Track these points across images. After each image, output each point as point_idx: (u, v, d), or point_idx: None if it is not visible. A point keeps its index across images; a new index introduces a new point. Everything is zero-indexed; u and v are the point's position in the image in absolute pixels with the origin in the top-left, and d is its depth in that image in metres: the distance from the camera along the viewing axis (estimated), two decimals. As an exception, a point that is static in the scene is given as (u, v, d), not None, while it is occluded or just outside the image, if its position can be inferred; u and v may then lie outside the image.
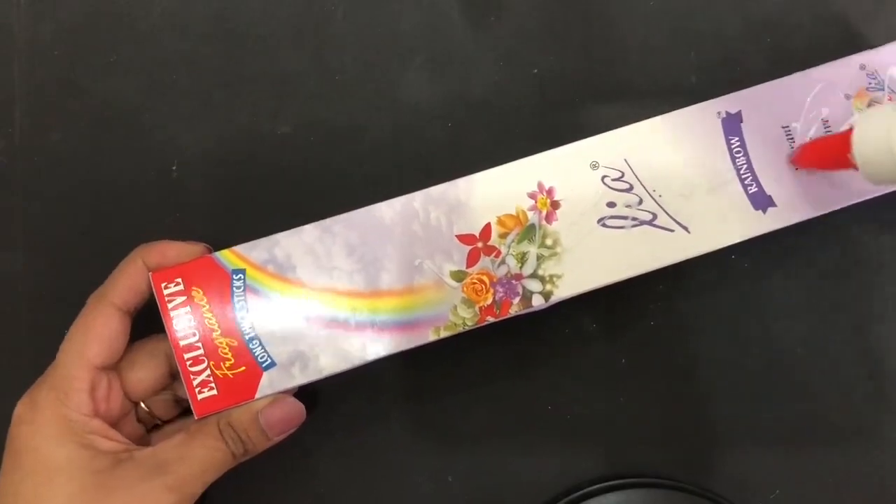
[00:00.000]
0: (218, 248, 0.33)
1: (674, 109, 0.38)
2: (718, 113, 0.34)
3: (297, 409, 0.33)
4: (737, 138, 0.34)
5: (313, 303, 0.32)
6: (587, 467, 0.37)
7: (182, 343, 0.32)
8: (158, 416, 0.35)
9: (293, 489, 0.37)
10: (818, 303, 0.38)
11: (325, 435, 0.37)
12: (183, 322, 0.32)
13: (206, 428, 0.31)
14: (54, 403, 0.31)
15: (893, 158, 0.28)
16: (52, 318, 0.38)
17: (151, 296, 0.32)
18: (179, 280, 0.32)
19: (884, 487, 0.38)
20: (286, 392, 0.32)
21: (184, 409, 0.35)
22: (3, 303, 0.38)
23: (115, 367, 0.33)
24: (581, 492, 0.36)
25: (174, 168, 0.39)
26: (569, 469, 0.37)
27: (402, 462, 0.38)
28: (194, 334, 0.32)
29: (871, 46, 0.35)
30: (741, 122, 0.34)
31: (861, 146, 0.29)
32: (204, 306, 0.32)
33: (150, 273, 0.32)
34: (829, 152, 0.31)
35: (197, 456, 0.31)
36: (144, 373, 0.33)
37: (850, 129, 0.30)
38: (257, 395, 0.32)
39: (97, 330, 0.32)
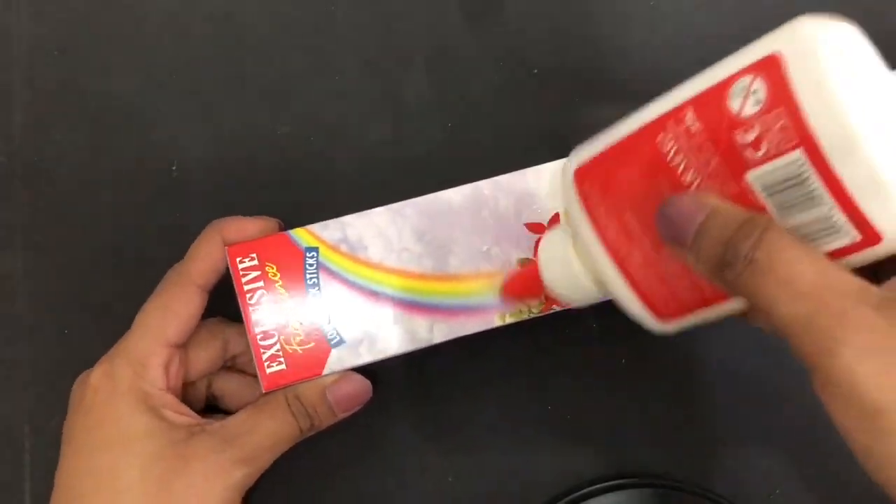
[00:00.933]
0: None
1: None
2: None
3: (364, 386, 0.33)
4: None
5: (384, 283, 0.33)
6: (587, 467, 0.37)
7: (254, 317, 0.32)
8: (214, 394, 0.35)
9: (293, 489, 0.37)
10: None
11: (325, 434, 0.37)
12: (256, 296, 0.32)
13: (273, 401, 0.32)
14: (132, 377, 0.31)
15: (580, 284, 0.27)
16: (52, 318, 0.38)
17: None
18: (254, 255, 0.33)
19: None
20: (352, 370, 0.33)
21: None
22: (3, 303, 0.38)
23: (185, 343, 0.33)
24: (581, 492, 0.36)
25: (174, 168, 0.39)
26: (569, 469, 0.37)
27: (402, 462, 0.38)
28: (264, 298, 0.32)
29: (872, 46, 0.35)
30: None
31: (549, 277, 0.28)
32: (277, 282, 0.33)
33: (226, 247, 0.33)
34: (527, 282, 0.30)
35: (266, 428, 0.31)
36: (204, 352, 0.34)
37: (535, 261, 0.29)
38: (324, 372, 0.32)
39: (178, 309, 0.32)
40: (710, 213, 0.22)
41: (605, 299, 0.28)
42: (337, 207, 0.38)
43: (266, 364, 0.32)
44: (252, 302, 0.32)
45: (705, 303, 0.25)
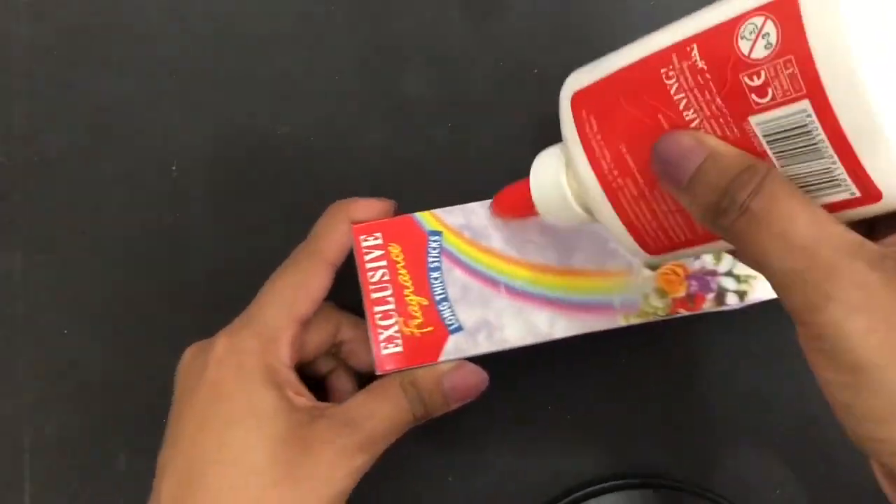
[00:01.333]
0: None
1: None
2: None
3: (481, 377, 0.32)
4: None
5: (505, 273, 0.32)
6: (587, 467, 0.37)
7: (374, 296, 0.32)
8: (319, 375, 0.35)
9: (293, 489, 0.37)
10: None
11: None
12: (378, 276, 0.32)
13: (389, 386, 0.31)
14: (260, 351, 0.30)
15: (568, 208, 0.27)
16: (52, 318, 0.38)
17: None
18: (378, 235, 0.32)
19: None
20: (467, 359, 0.32)
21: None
22: (3, 303, 0.38)
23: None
24: (581, 492, 0.36)
25: (174, 168, 0.39)
26: (569, 469, 0.37)
27: (402, 462, 0.37)
28: (387, 289, 0.32)
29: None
30: None
31: (538, 197, 0.28)
32: (399, 263, 0.32)
33: (352, 224, 0.33)
34: (518, 201, 0.30)
35: (384, 413, 0.31)
36: (317, 335, 0.34)
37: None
38: (440, 359, 0.32)
39: (310, 286, 0.32)
40: (709, 156, 0.22)
41: (593, 224, 0.28)
42: (337, 207, 0.38)
43: (382, 345, 0.32)
44: (374, 280, 0.32)
45: (696, 241, 0.25)
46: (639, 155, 0.24)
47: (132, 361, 0.38)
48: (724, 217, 0.21)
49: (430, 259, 0.33)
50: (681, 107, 0.22)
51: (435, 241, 0.33)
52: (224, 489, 0.29)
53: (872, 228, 0.22)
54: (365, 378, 0.37)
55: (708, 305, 0.32)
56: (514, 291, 0.32)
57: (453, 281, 0.32)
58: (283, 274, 0.32)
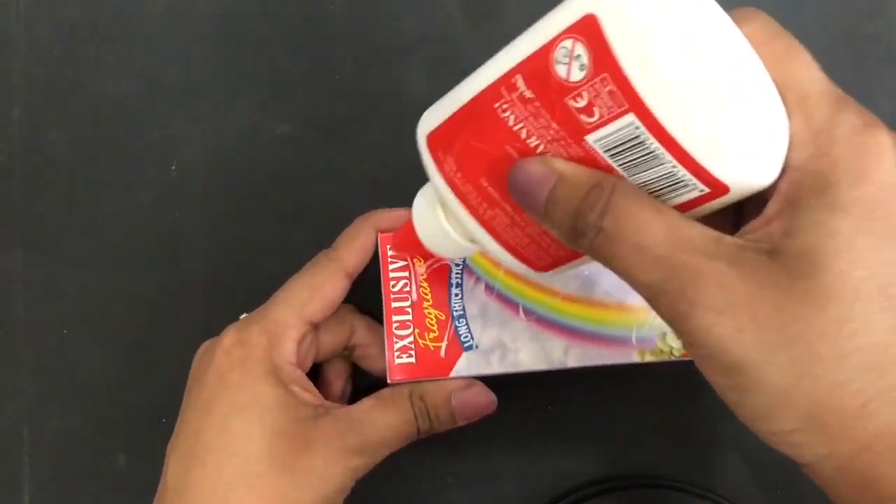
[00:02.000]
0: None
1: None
2: None
3: (489, 399, 0.33)
4: None
5: (525, 297, 0.33)
6: (587, 467, 0.37)
7: (394, 305, 0.32)
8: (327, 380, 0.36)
9: (293, 489, 0.37)
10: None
11: (325, 435, 0.37)
12: (399, 286, 0.33)
13: (397, 396, 0.32)
14: (265, 346, 0.31)
15: (452, 239, 0.27)
16: (52, 317, 0.38)
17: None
18: (406, 258, 0.33)
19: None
20: (478, 378, 0.33)
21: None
22: (3, 303, 0.38)
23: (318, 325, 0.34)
24: (581, 492, 0.36)
25: (174, 168, 0.39)
26: (569, 469, 0.37)
27: (402, 462, 0.37)
28: (407, 299, 0.32)
29: (871, 45, 0.35)
30: None
31: (423, 237, 0.29)
32: (422, 275, 0.33)
33: (378, 234, 0.33)
34: (411, 243, 0.30)
35: (388, 422, 0.31)
36: (331, 337, 0.34)
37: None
38: (451, 374, 0.32)
39: (324, 291, 0.32)
40: (558, 180, 0.22)
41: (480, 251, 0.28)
42: (337, 208, 0.38)
43: (396, 354, 0.32)
44: (395, 290, 0.32)
45: (575, 255, 0.25)
46: (499, 186, 0.24)
47: (132, 361, 0.38)
48: (582, 238, 0.21)
49: (453, 275, 0.33)
50: (523, 136, 0.22)
51: (456, 267, 0.33)
52: (222, 476, 0.29)
53: (741, 211, 0.22)
54: (363, 380, 0.37)
55: None
56: (532, 316, 0.32)
57: (473, 299, 0.33)
58: (299, 276, 0.33)
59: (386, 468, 0.37)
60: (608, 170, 0.21)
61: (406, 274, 0.33)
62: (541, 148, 0.22)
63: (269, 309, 0.32)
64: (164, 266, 0.38)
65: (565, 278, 0.33)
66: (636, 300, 0.32)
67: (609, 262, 0.21)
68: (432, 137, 0.25)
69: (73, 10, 0.39)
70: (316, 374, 0.36)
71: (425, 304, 0.32)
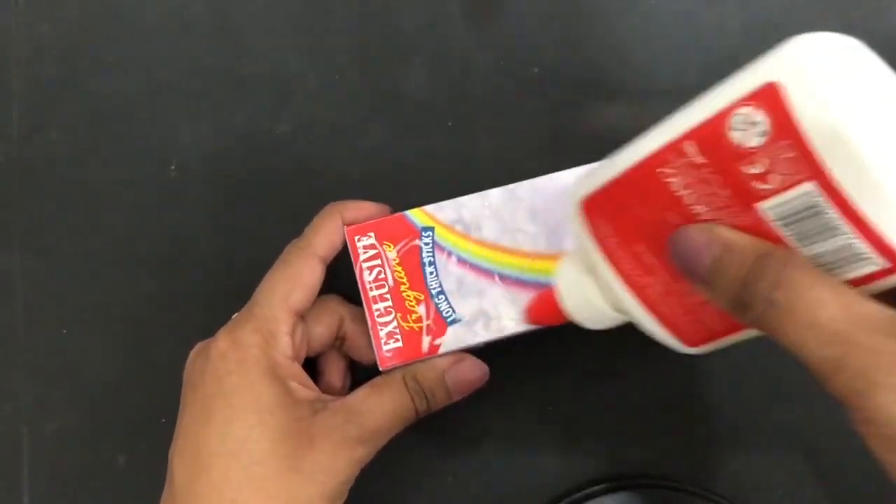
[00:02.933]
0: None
1: (674, 109, 0.38)
2: None
3: (482, 370, 0.33)
4: None
5: (498, 263, 0.33)
6: (587, 467, 0.37)
7: (372, 294, 0.33)
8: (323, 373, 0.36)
9: (293, 489, 0.37)
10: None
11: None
12: (374, 274, 0.33)
13: (391, 381, 0.32)
14: (261, 344, 0.31)
15: (600, 311, 0.27)
16: (52, 317, 0.38)
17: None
18: (372, 234, 0.33)
19: (884, 488, 0.38)
20: (467, 350, 0.33)
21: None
22: (2, 303, 0.38)
23: (304, 317, 0.34)
24: (581, 492, 0.36)
25: (173, 168, 0.39)
26: (569, 469, 0.37)
27: (402, 462, 0.37)
28: (384, 286, 0.33)
29: (873, 46, 0.35)
30: None
31: (569, 306, 0.28)
32: (394, 260, 0.33)
33: (345, 227, 0.33)
34: (549, 313, 0.30)
35: (385, 408, 0.31)
36: (322, 328, 0.34)
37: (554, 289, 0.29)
38: (440, 351, 0.32)
39: (302, 278, 0.32)
40: (724, 249, 0.21)
41: (628, 322, 0.27)
42: (337, 207, 0.38)
43: (383, 341, 0.32)
44: (370, 280, 0.33)
45: (735, 328, 0.24)
46: (658, 253, 0.24)
47: (132, 361, 0.38)
48: (750, 311, 0.21)
49: (424, 254, 0.33)
50: (687, 202, 0.22)
51: (427, 236, 0.33)
52: (228, 481, 0.29)
53: None
54: (364, 371, 0.37)
55: None
56: (508, 280, 0.33)
57: (447, 274, 0.33)
58: (275, 270, 0.33)
59: (387, 468, 0.37)
60: (777, 240, 0.21)
61: (378, 262, 0.33)
62: (705, 215, 0.22)
63: (255, 306, 0.32)
64: (164, 266, 0.38)
65: (534, 238, 0.33)
66: None
67: (778, 336, 0.21)
68: (588, 203, 0.25)
69: (73, 10, 0.39)
70: (314, 368, 0.36)
71: (402, 288, 0.33)
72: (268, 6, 0.39)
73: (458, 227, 0.33)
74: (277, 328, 0.32)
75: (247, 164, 0.39)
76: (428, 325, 0.33)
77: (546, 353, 0.38)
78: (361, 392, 0.32)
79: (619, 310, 0.27)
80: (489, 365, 0.38)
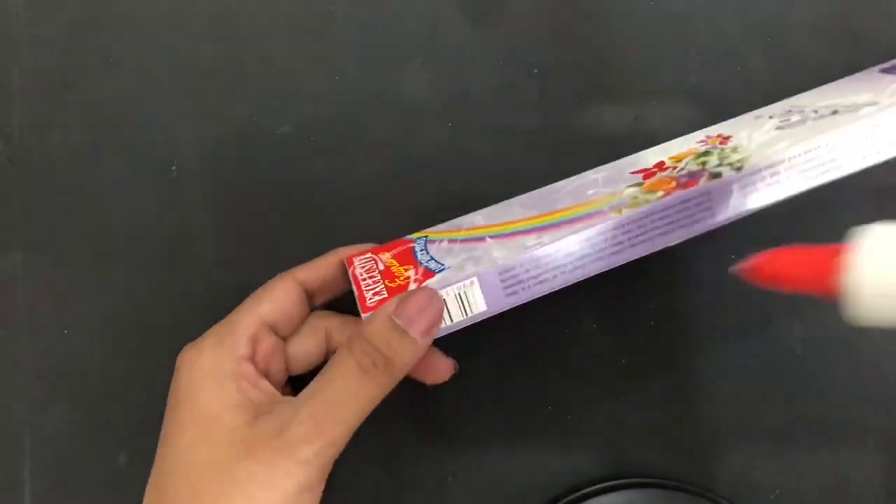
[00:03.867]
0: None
1: (674, 109, 0.38)
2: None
3: (429, 294, 0.28)
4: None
5: (489, 232, 0.32)
6: (587, 467, 0.37)
7: (362, 278, 0.32)
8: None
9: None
10: (818, 302, 0.38)
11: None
12: (365, 268, 0.32)
13: (335, 356, 0.29)
14: (213, 346, 0.31)
15: None
16: (52, 318, 0.38)
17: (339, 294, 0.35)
18: (368, 254, 0.34)
19: (883, 487, 0.38)
20: (459, 296, 0.29)
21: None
22: (3, 303, 0.38)
23: (287, 336, 0.33)
24: (581, 492, 0.36)
25: (174, 168, 0.39)
26: (569, 469, 0.37)
27: (401, 462, 0.37)
28: (374, 271, 0.32)
29: (873, 46, 0.35)
30: None
31: (875, 273, 0.22)
32: (387, 259, 0.33)
33: (345, 258, 0.33)
34: (812, 270, 0.24)
35: (329, 392, 0.28)
36: (302, 348, 0.33)
37: (842, 246, 0.23)
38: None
39: (273, 293, 0.32)
40: None
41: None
42: (337, 208, 0.38)
43: (368, 299, 0.30)
44: (361, 271, 0.32)
45: None
46: None
47: (132, 361, 0.38)
48: None
49: (417, 248, 0.33)
50: None
51: (420, 242, 0.34)
52: (178, 496, 0.29)
53: None
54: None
55: (703, 181, 0.30)
56: (499, 236, 0.32)
57: (437, 250, 0.33)
58: (253, 292, 0.33)
59: (386, 468, 0.37)
60: None
61: (371, 261, 0.33)
62: None
63: (227, 318, 0.33)
64: (165, 266, 0.38)
65: (526, 207, 0.33)
66: (601, 191, 0.33)
67: None
68: None
69: (73, 9, 0.39)
70: None
71: (393, 267, 0.32)
72: (268, 6, 0.39)
73: (447, 224, 0.34)
74: (233, 330, 0.31)
75: (247, 164, 0.39)
76: (416, 279, 0.30)
77: (546, 353, 0.38)
78: (312, 382, 0.29)
79: None
80: (489, 365, 0.38)
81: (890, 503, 0.38)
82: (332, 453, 0.28)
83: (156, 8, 0.39)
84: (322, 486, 0.29)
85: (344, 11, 0.39)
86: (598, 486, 0.36)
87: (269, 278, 0.34)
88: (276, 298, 0.32)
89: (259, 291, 0.33)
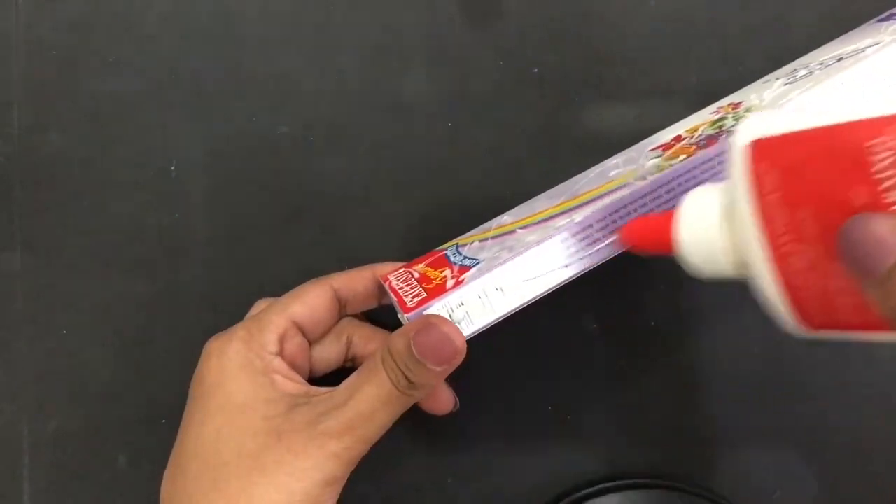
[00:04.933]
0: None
1: (674, 110, 0.38)
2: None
3: (444, 331, 0.28)
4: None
5: (520, 225, 0.32)
6: (587, 467, 0.37)
7: (400, 288, 0.32)
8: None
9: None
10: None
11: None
12: (402, 279, 0.32)
13: (370, 361, 0.30)
14: (244, 339, 0.31)
15: (715, 258, 0.25)
16: (52, 317, 0.38)
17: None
18: (402, 269, 0.33)
19: (883, 487, 0.38)
20: (495, 281, 0.29)
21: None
22: (3, 303, 0.38)
23: (313, 340, 0.34)
24: (581, 492, 0.36)
25: (174, 168, 0.39)
26: (569, 469, 0.37)
27: (402, 462, 0.37)
28: (409, 278, 0.32)
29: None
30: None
31: (685, 237, 0.25)
32: (421, 269, 0.33)
33: (379, 276, 0.34)
34: (655, 235, 0.27)
35: (364, 393, 0.29)
36: (324, 352, 0.34)
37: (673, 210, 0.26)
38: (465, 284, 0.29)
39: (306, 296, 0.33)
40: None
41: (737, 280, 0.25)
42: (337, 208, 0.38)
43: (407, 299, 0.30)
44: (398, 283, 0.32)
45: (868, 327, 0.22)
46: (821, 225, 0.21)
47: (132, 361, 0.38)
48: None
49: (450, 255, 0.33)
50: (882, 186, 0.20)
51: (452, 248, 0.34)
52: (199, 484, 0.29)
53: None
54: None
55: (723, 139, 0.30)
56: (529, 226, 0.32)
57: (469, 249, 0.33)
58: (289, 292, 0.34)
59: (386, 468, 0.37)
60: None
61: (407, 273, 0.33)
62: None
63: (255, 314, 0.33)
64: (164, 266, 0.38)
65: (551, 198, 0.34)
66: (623, 170, 0.33)
67: None
68: (761, 144, 0.23)
69: (73, 9, 0.39)
70: None
71: (428, 273, 0.32)
72: (268, 6, 0.39)
73: (480, 229, 0.34)
74: (264, 327, 0.31)
75: (247, 164, 0.39)
76: (453, 275, 0.30)
77: (546, 353, 0.38)
78: (348, 379, 0.30)
79: (740, 263, 0.24)
80: (490, 365, 0.38)
81: (890, 503, 0.38)
82: (361, 450, 0.29)
83: (156, 8, 0.39)
84: (343, 483, 0.30)
85: (344, 12, 0.39)
86: (598, 487, 0.36)
87: (269, 278, 0.34)
88: (309, 302, 0.33)
89: (294, 292, 0.33)
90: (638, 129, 0.38)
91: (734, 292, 0.38)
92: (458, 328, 0.29)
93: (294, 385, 0.31)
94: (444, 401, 0.34)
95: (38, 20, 0.39)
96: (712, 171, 0.30)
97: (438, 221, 0.37)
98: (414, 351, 0.29)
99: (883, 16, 0.37)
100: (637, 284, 0.38)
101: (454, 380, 0.38)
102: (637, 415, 0.38)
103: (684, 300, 0.38)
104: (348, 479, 0.37)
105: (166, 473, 0.31)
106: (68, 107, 0.39)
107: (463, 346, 0.29)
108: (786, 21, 0.39)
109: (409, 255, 0.35)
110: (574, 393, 0.38)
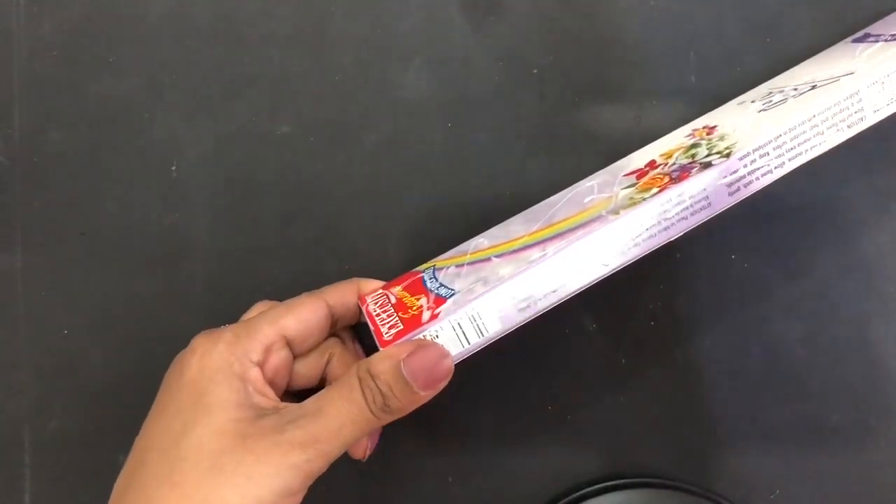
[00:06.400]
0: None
1: (674, 109, 0.38)
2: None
3: (437, 355, 0.30)
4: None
5: (494, 252, 0.33)
6: (587, 467, 0.37)
7: (376, 313, 0.32)
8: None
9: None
10: (818, 303, 0.38)
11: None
12: (378, 303, 0.33)
13: (345, 378, 0.30)
14: (229, 342, 0.31)
15: None
16: (52, 317, 0.38)
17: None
18: (380, 290, 0.34)
19: (883, 487, 0.38)
20: (469, 312, 0.30)
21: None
22: (3, 303, 0.38)
23: (299, 354, 0.33)
24: (581, 492, 0.36)
25: (174, 168, 0.39)
26: (569, 469, 0.37)
27: (402, 462, 0.37)
28: (385, 302, 0.33)
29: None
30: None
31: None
32: (399, 292, 0.33)
33: (359, 294, 0.34)
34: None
35: (334, 409, 0.29)
36: (306, 368, 0.34)
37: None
38: (440, 318, 0.30)
39: (301, 311, 0.32)
40: None
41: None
42: (337, 209, 0.38)
43: (384, 332, 0.31)
44: (375, 308, 0.33)
45: None
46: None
47: (132, 361, 0.38)
48: None
49: (426, 278, 0.34)
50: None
51: (429, 271, 0.34)
52: (157, 476, 0.29)
53: None
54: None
55: (695, 172, 0.31)
56: (505, 255, 0.32)
57: (445, 276, 0.33)
58: (283, 302, 0.33)
59: (386, 468, 0.37)
60: None
61: (384, 297, 0.33)
62: None
63: (247, 320, 0.33)
64: (164, 266, 0.38)
65: (528, 222, 0.34)
66: (594, 200, 0.33)
67: None
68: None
69: (74, 9, 0.39)
70: None
71: (405, 299, 0.33)
72: (268, 6, 0.39)
73: (457, 252, 0.35)
74: (254, 334, 0.31)
75: (247, 164, 0.39)
76: (428, 306, 0.31)
77: (546, 354, 0.38)
78: (318, 393, 0.30)
79: None
80: (490, 364, 0.38)
81: (890, 503, 0.38)
82: (321, 465, 0.29)
83: (156, 8, 0.39)
84: (301, 498, 0.29)
85: (344, 11, 0.39)
86: (597, 486, 0.36)
87: (269, 278, 0.34)
88: (303, 316, 0.32)
89: (290, 303, 0.33)
90: (637, 129, 0.38)
91: (734, 292, 0.38)
92: (448, 351, 0.30)
93: (263, 399, 0.31)
94: (362, 445, 0.33)
95: (38, 20, 0.39)
96: (680, 217, 0.31)
97: (438, 221, 0.37)
98: (404, 372, 0.29)
99: (858, 35, 0.37)
100: (637, 284, 0.38)
101: (454, 380, 0.38)
102: (637, 415, 0.38)
103: (684, 300, 0.38)
104: (348, 480, 0.37)
105: (128, 460, 0.30)
106: (68, 107, 0.39)
107: (451, 371, 0.30)
108: (786, 21, 0.39)
109: (408, 255, 0.35)
110: (574, 393, 0.38)
